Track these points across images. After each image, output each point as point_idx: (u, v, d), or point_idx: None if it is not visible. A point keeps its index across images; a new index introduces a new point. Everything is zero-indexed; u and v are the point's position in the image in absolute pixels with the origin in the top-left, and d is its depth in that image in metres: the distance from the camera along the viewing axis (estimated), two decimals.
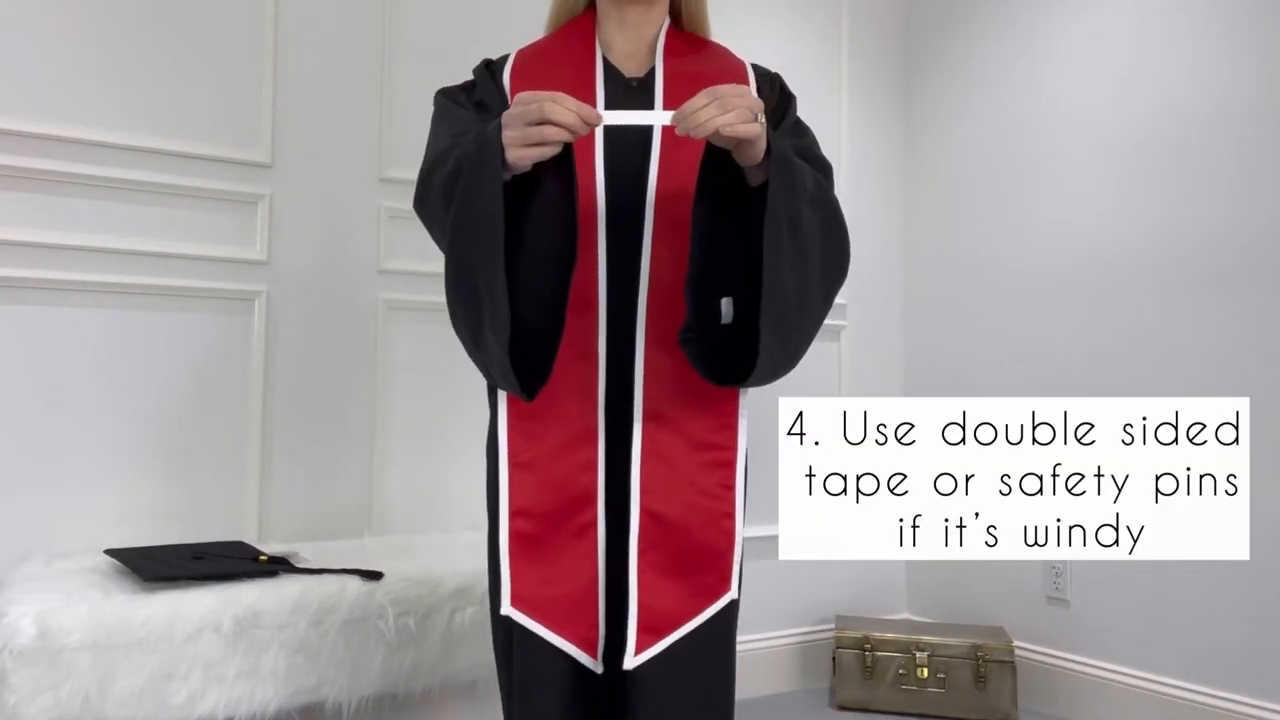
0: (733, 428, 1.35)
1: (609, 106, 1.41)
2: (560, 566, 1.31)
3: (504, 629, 1.38)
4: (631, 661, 1.27)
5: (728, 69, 1.48)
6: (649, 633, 1.29)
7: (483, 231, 1.20)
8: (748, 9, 3.09)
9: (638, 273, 1.34)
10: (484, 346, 1.26)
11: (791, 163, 1.25)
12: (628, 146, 1.37)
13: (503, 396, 1.35)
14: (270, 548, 2.10)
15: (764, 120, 1.20)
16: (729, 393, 1.35)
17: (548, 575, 1.31)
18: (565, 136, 1.17)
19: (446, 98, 1.49)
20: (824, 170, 1.43)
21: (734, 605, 1.35)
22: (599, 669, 1.31)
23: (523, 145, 1.17)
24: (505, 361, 1.22)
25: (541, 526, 1.32)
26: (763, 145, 1.22)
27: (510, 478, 1.33)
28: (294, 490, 2.34)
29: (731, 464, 1.35)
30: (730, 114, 1.16)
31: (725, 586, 1.33)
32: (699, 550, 1.32)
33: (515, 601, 1.31)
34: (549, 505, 1.32)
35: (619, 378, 1.35)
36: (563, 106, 1.16)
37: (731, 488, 1.35)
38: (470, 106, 1.47)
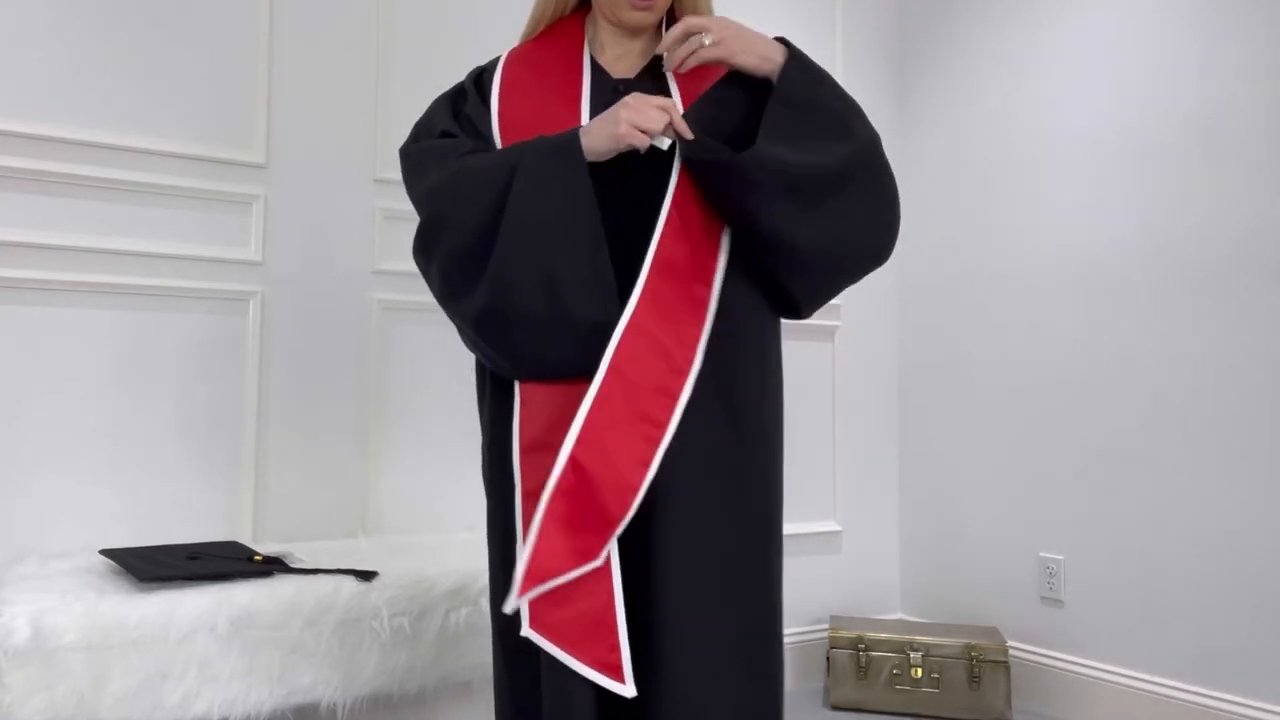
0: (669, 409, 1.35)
1: (594, 110, 1.42)
2: (572, 587, 1.31)
3: (503, 645, 1.40)
4: None
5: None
6: None
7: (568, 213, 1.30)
8: None
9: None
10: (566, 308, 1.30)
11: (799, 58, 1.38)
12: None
13: (515, 426, 1.35)
14: (265, 548, 2.11)
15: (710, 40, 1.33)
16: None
17: (560, 596, 1.31)
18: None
19: (412, 150, 1.47)
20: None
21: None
22: (629, 692, 1.29)
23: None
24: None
25: None
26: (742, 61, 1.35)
27: (523, 505, 1.34)
28: (288, 490, 2.34)
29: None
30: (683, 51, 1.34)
31: None
32: None
33: (533, 624, 1.31)
34: None
35: None
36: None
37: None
38: (452, 122, 1.47)
